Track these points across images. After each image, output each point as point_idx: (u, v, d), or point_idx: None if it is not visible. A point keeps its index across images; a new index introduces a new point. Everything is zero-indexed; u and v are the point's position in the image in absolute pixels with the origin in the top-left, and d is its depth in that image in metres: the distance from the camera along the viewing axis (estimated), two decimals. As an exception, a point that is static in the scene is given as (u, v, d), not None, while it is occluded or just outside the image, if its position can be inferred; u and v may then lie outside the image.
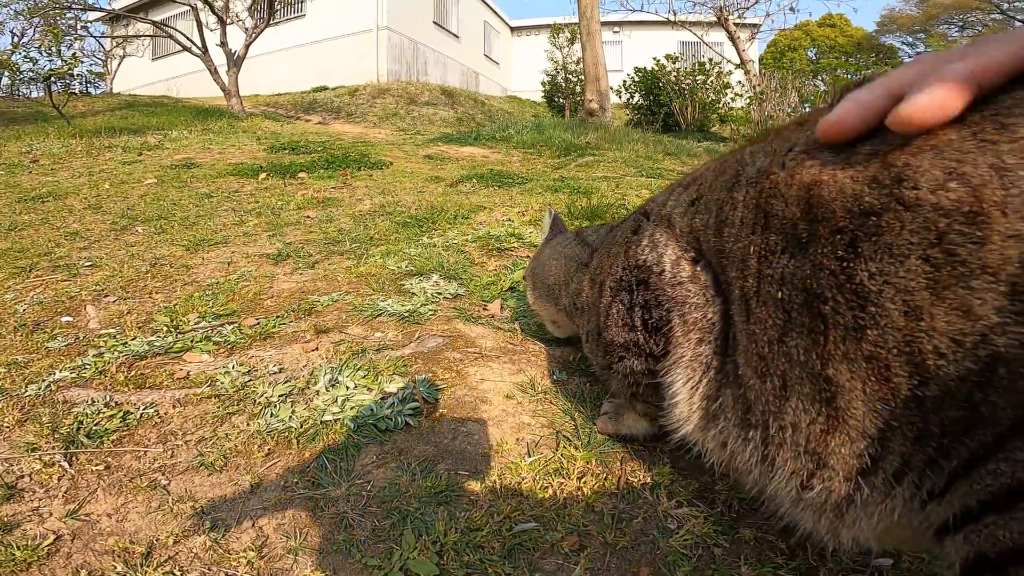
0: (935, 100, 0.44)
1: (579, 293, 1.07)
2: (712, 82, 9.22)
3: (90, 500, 0.95)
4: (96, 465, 1.03)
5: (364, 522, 0.87)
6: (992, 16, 23.29)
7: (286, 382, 1.24)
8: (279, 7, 9.86)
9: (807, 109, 8.20)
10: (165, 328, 1.61)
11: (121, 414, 1.17)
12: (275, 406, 1.15)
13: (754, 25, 14.29)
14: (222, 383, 1.27)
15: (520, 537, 0.82)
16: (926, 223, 0.46)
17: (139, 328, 1.64)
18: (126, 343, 1.52)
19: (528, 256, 2.34)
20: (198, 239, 2.58)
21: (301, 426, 1.09)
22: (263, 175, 4.29)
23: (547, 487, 0.93)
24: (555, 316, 1.28)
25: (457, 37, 17.53)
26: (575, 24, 9.76)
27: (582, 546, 0.82)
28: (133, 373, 1.37)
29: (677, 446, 1.05)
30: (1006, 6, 22.43)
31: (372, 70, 13.57)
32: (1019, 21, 22.37)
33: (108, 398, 1.23)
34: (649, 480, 0.96)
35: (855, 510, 0.55)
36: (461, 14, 17.79)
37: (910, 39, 25.80)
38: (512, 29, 22.49)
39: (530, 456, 1.00)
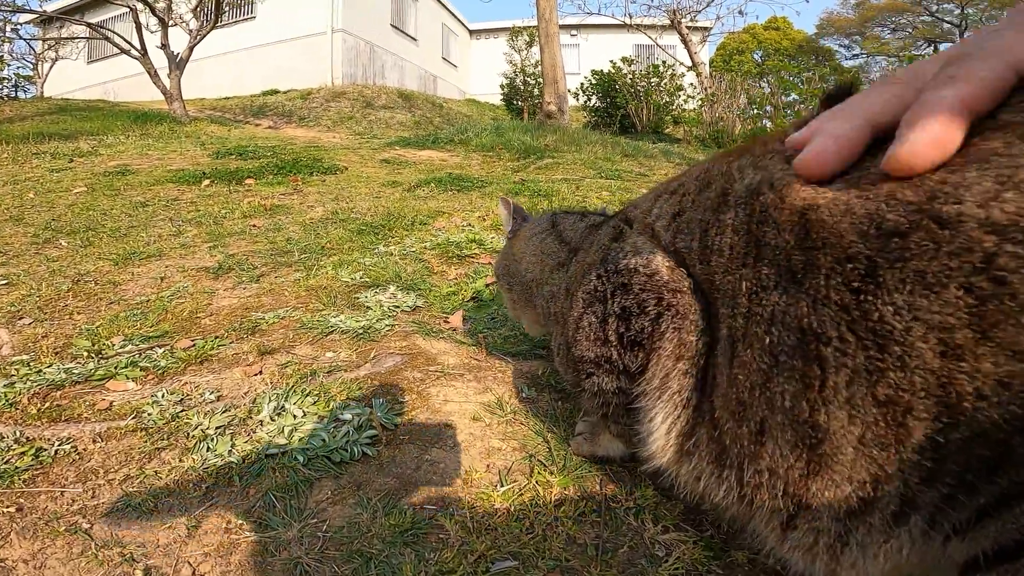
0: (934, 138, 0.39)
1: (553, 298, 0.99)
2: (666, 84, 9.38)
3: (3, 545, 0.81)
4: (7, 507, 0.88)
5: (322, 568, 0.75)
6: (921, 18, 24.85)
7: (224, 412, 1.10)
8: (227, 9, 9.43)
9: (755, 111, 8.47)
10: (86, 353, 1.43)
11: (33, 451, 1.02)
12: (212, 439, 1.02)
13: (705, 28, 14.75)
14: (150, 414, 1.12)
15: (497, 582, 0.72)
16: (969, 244, 0.38)
17: (56, 354, 1.45)
18: (41, 371, 1.35)
19: (490, 263, 2.25)
20: (128, 252, 2.37)
21: (243, 461, 0.96)
22: (206, 182, 4.05)
23: (523, 518, 0.83)
24: (533, 317, 1.17)
25: (415, 40, 17.32)
26: (534, 27, 9.79)
27: (566, 587, 0.73)
28: (48, 405, 1.20)
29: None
30: (935, 8, 23.97)
31: (326, 73, 13.23)
32: (947, 23, 24.00)
33: (18, 433, 1.08)
34: (632, 504, 0.88)
35: (852, 552, 0.49)
36: (419, 17, 17.60)
37: (846, 41, 27.26)
38: (471, 32, 22.40)
39: (503, 485, 0.91)
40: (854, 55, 27.19)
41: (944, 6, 23.84)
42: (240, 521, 0.84)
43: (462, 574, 0.73)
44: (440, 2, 19.44)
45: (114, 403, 1.18)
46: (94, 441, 1.05)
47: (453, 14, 20.58)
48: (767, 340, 0.51)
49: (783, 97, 8.55)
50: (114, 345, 1.47)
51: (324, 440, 0.98)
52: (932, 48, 23.81)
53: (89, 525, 0.85)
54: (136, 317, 1.67)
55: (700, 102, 8.95)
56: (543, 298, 1.06)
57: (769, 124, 8.24)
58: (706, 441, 0.60)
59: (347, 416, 1.05)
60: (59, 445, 1.04)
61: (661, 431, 0.64)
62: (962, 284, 0.38)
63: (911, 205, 0.42)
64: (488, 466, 0.97)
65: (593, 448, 0.98)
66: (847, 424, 0.46)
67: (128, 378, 1.28)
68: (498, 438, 1.05)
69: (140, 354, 1.41)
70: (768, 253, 0.51)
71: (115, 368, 1.33)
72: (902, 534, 0.46)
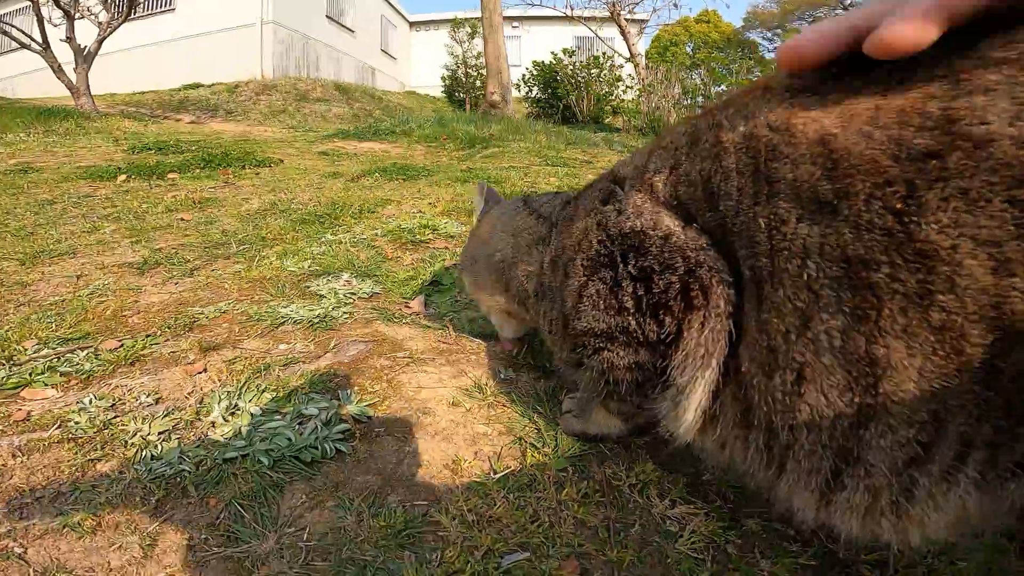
0: (914, 26, 0.42)
1: (537, 276, 0.91)
2: (605, 75, 9.50)
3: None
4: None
5: None
6: (836, 12, 26.62)
7: (167, 415, 0.96)
8: (141, 0, 8.71)
9: (689, 101, 8.74)
10: (-8, 361, 1.23)
11: (-59, 472, 0.85)
12: (155, 446, 0.88)
13: (642, 21, 15.09)
14: (77, 423, 0.96)
15: (512, 573, 0.65)
16: (1007, 160, 0.38)
17: (-47, 365, 1.24)
18: (-63, 385, 1.14)
19: (447, 248, 2.15)
20: (37, 250, 2.10)
21: (197, 468, 0.84)
22: (122, 177, 3.70)
23: (525, 506, 0.76)
24: (506, 306, 1.07)
25: (352, 32, 16.65)
26: (476, 19, 9.67)
27: (585, 570, 0.67)
28: (-52, 422, 1.01)
29: (653, 438, 0.95)
30: (848, 1, 25.81)
31: (256, 66, 12.51)
32: None
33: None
34: (634, 480, 0.83)
35: (919, 506, 0.46)
36: (357, 8, 16.92)
37: (769, 34, 28.78)
38: (411, 24, 21.79)
39: (496, 472, 0.83)
40: (776, 47, 28.73)
41: (857, 2, 25.64)
42: (204, 536, 0.72)
43: (471, 572, 0.65)
44: (379, -7, 18.89)
45: (32, 412, 1.01)
46: (14, 456, 0.88)
47: (392, 5, 20.01)
48: (804, 275, 0.47)
49: (714, 88, 8.86)
50: (27, 350, 1.27)
51: (290, 439, 0.86)
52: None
53: (23, 549, 0.71)
54: (51, 319, 1.46)
55: (638, 93, 9.13)
56: (518, 279, 0.97)
57: (702, 114, 8.51)
58: (731, 402, 0.56)
59: (312, 411, 0.94)
60: (-31, 464, 0.87)
61: (693, 402, 0.58)
62: (1006, 198, 0.38)
63: (935, 131, 0.41)
64: (476, 453, 0.89)
65: (585, 426, 0.92)
66: (906, 355, 0.43)
67: (46, 384, 1.11)
68: (482, 423, 0.97)
69: (59, 358, 1.23)
70: (784, 188, 0.49)
71: (30, 375, 1.15)
72: (962, 479, 0.43)
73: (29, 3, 7.57)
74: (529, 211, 0.99)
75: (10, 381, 1.15)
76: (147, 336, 1.34)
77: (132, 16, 8.18)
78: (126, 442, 0.90)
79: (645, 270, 0.61)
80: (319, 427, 0.90)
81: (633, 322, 0.63)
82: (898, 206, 0.42)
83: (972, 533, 0.66)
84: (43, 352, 1.28)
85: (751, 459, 0.55)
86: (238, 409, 0.95)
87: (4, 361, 1.25)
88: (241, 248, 2.10)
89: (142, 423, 0.94)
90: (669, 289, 0.58)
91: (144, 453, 0.86)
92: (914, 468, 0.45)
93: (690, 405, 0.59)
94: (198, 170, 4.02)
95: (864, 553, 0.70)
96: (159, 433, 0.91)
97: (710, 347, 0.56)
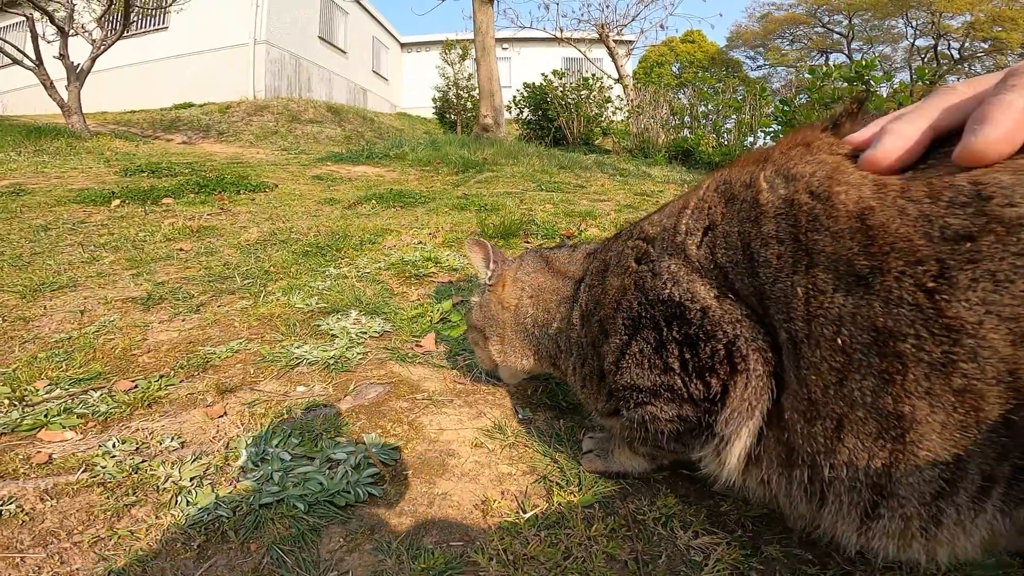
0: (1005, 132, 0.43)
1: (566, 332, 0.92)
2: (595, 96, 9.67)
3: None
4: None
5: None
6: (815, 30, 27.50)
7: (195, 460, 0.97)
8: (135, 19, 8.73)
9: (676, 122, 8.90)
10: (7, 401, 1.23)
11: (-33, 514, 0.85)
12: (189, 491, 0.89)
13: (630, 42, 15.42)
14: (104, 467, 0.97)
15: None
16: None
17: (-35, 407, 1.24)
18: (-52, 427, 1.14)
19: (450, 282, 2.18)
20: (36, 283, 2.09)
21: (234, 513, 0.85)
22: (116, 202, 3.69)
23: (556, 543, 0.79)
24: (529, 364, 1.05)
25: (344, 53, 16.81)
26: (467, 40, 9.79)
27: (619, 610, 0.69)
28: (-34, 465, 1.01)
29: (672, 472, 0.98)
30: (826, 19, 26.68)
31: (247, 86, 12.54)
32: (837, 33, 26.80)
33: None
34: (657, 514, 0.86)
35: (947, 530, 0.52)
36: (349, 29, 17.11)
37: (752, 52, 29.58)
38: (402, 45, 22.01)
39: (525, 511, 0.86)
40: (759, 66, 29.54)
41: (834, 17, 26.58)
42: (249, 583, 0.74)
43: (514, 614, 0.67)
44: (371, 14, 19.03)
45: (54, 455, 1.01)
46: (42, 499, 0.89)
47: (384, 27, 20.22)
48: (838, 340, 0.52)
49: (700, 107, 9.06)
50: (38, 390, 1.27)
51: (322, 484, 0.88)
52: (824, 58, 26.37)
53: None
54: (59, 357, 1.46)
55: (627, 114, 9.30)
56: (550, 337, 0.97)
57: (688, 134, 8.67)
58: (774, 445, 0.61)
59: (340, 455, 0.96)
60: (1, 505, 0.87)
61: (738, 450, 0.64)
62: None
63: (969, 207, 0.45)
64: (503, 493, 0.92)
65: (607, 465, 0.95)
66: (929, 412, 0.48)
67: (64, 427, 1.11)
68: (505, 463, 1.00)
69: (72, 399, 1.23)
70: (823, 260, 0.53)
71: (45, 416, 1.15)
72: (988, 507, 0.49)
73: (23, 19, 7.54)
74: (552, 271, 1.01)
75: (25, 422, 1.15)
76: (161, 377, 1.34)
77: (125, 34, 8.18)
78: (158, 487, 0.91)
79: (689, 337, 0.65)
80: (349, 471, 0.92)
81: (679, 381, 0.67)
82: (929, 284, 0.47)
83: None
84: (55, 393, 1.28)
85: (795, 494, 0.61)
86: (267, 454, 0.97)
87: (16, 402, 1.25)
88: (245, 283, 2.11)
89: (171, 468, 0.95)
90: (714, 355, 0.63)
91: (179, 499, 0.87)
92: (941, 500, 0.50)
93: (734, 451, 0.64)
94: (192, 195, 4.02)
95: (880, 573, 0.74)
96: (191, 479, 0.92)
97: (753, 401, 0.61)
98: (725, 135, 8.49)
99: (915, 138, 0.49)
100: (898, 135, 0.49)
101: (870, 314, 0.49)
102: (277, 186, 4.58)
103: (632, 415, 0.76)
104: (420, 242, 2.72)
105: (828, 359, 0.53)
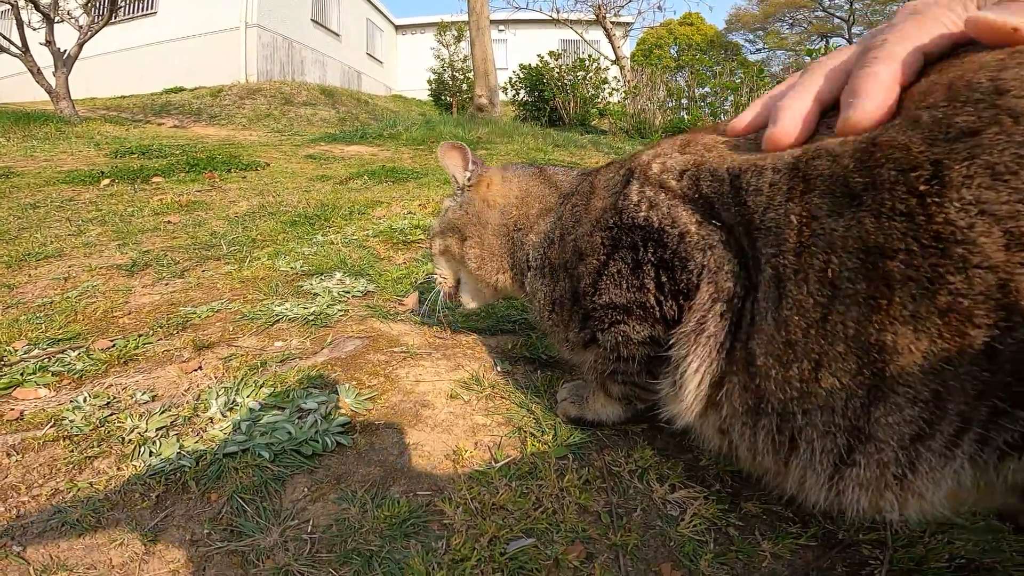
0: (879, 103, 0.48)
1: (542, 247, 0.91)
2: (591, 77, 9.56)
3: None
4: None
5: (317, 573, 0.65)
6: (815, 13, 27.10)
7: (164, 412, 0.95)
8: (122, 4, 8.57)
9: (673, 103, 8.82)
10: (-19, 363, 1.21)
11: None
12: (154, 442, 0.87)
13: (627, 23, 15.22)
14: (72, 421, 0.95)
15: (518, 559, 0.66)
16: None
17: (-61, 368, 1.22)
18: (-76, 387, 1.12)
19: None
20: (22, 253, 2.07)
21: (197, 463, 0.83)
22: (106, 181, 3.65)
23: (528, 494, 0.77)
24: (499, 279, 1.01)
25: (338, 35, 16.54)
26: (462, 22, 9.64)
27: (590, 554, 0.68)
28: (-62, 423, 1.00)
29: (650, 425, 0.96)
30: (827, 3, 26.30)
31: (239, 69, 12.36)
32: (838, 17, 26.45)
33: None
34: (634, 466, 0.84)
35: (920, 480, 0.48)
36: (342, 12, 16.80)
37: (751, 36, 29.21)
38: (397, 27, 21.67)
39: (497, 461, 0.84)
40: (758, 49, 29.20)
41: (835, 1, 26.21)
42: (207, 530, 0.72)
43: (478, 558, 0.65)
44: (364, -4, 18.78)
45: (26, 412, 1.00)
46: (8, 455, 0.87)
47: (378, 9, 19.90)
48: (827, 271, 0.49)
49: (697, 89, 8.96)
50: (17, 351, 1.25)
51: (290, 433, 0.86)
52: (824, 42, 26.06)
53: (21, 548, 0.71)
54: (40, 320, 1.44)
55: (624, 95, 9.19)
56: (524, 247, 0.95)
57: (686, 115, 8.58)
58: (738, 391, 0.58)
59: (311, 405, 0.94)
60: (-39, 464, 0.86)
61: (693, 382, 0.61)
62: None
63: (981, 104, 0.42)
64: (476, 443, 0.90)
65: (582, 412, 0.93)
66: (912, 340, 0.45)
67: (38, 384, 1.09)
68: (481, 414, 0.98)
69: (50, 358, 1.21)
70: (820, 183, 0.50)
71: (22, 375, 1.13)
72: (959, 455, 0.45)
73: (8, 6, 7.43)
74: (544, 178, 0.99)
75: (1, 381, 1.13)
76: (139, 336, 1.32)
77: (113, 20, 8.06)
78: (123, 439, 0.89)
79: (665, 260, 0.65)
80: (319, 421, 0.90)
81: (652, 299, 0.68)
82: (921, 188, 0.43)
83: (969, 512, 0.69)
84: (34, 352, 1.26)
85: (760, 445, 0.57)
86: (236, 404, 0.95)
87: (-7, 363, 1.23)
88: (231, 249, 2.09)
89: (139, 420, 0.93)
90: (687, 278, 0.63)
91: (142, 450, 0.86)
92: (919, 443, 0.47)
93: (689, 384, 0.61)
94: (183, 173, 3.97)
95: (863, 533, 0.72)
96: (157, 430, 0.90)
97: (706, 326, 0.59)
98: (723, 116, 8.40)
99: (806, 112, 0.54)
100: (789, 111, 0.55)
101: (859, 234, 0.47)
102: (269, 165, 4.53)
103: (607, 338, 0.75)
104: (410, 212, 2.69)
105: (815, 293, 0.50)
